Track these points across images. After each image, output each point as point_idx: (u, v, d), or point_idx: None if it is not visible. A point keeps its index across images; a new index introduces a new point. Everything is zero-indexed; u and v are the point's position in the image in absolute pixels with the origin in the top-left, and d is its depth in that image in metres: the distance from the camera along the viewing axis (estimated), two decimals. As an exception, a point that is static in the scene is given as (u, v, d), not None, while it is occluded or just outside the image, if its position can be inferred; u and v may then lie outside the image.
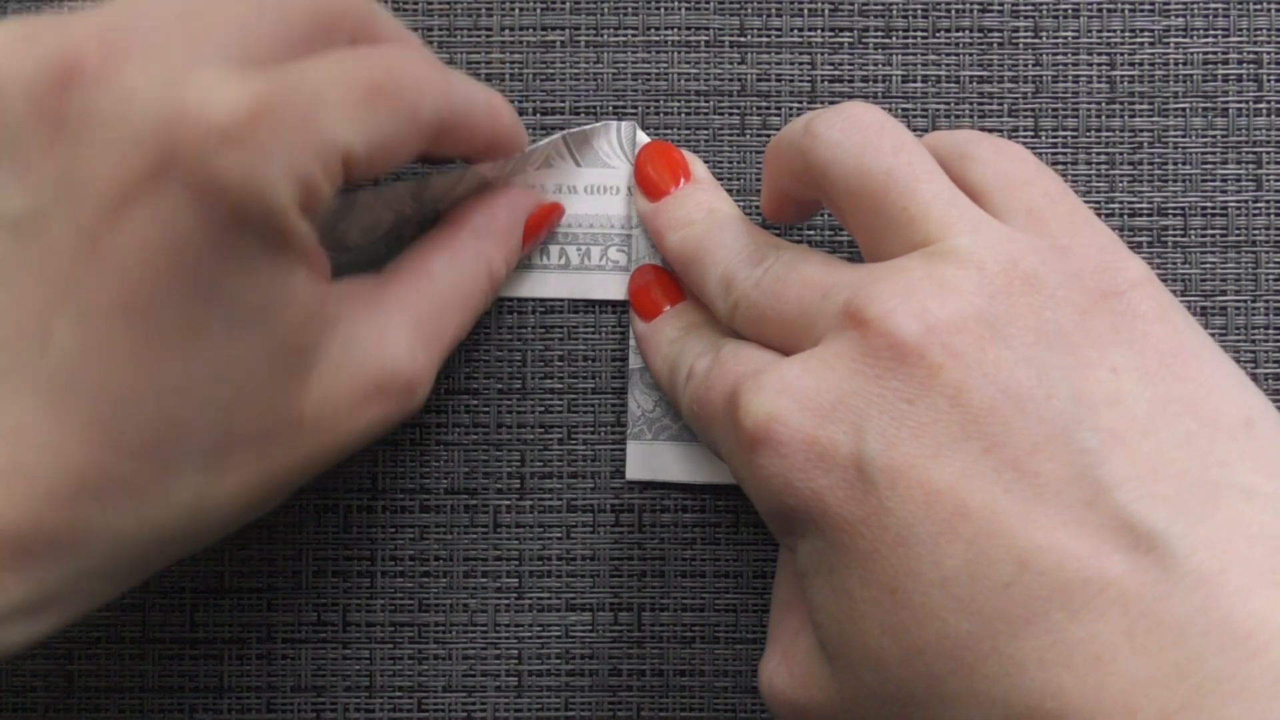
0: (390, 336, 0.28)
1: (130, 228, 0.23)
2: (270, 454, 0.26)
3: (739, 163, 0.35)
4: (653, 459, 0.34)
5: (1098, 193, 0.35)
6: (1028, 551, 0.23)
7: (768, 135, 0.35)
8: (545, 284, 0.35)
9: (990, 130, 0.35)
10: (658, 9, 0.35)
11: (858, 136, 0.27)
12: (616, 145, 0.35)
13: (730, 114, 0.35)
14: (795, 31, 0.35)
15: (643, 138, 0.35)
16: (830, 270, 0.27)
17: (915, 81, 0.35)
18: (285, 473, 0.27)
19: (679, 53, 0.35)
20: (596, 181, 0.34)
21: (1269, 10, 0.35)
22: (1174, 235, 0.35)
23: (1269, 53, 0.35)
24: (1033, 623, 0.23)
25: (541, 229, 0.34)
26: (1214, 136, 0.35)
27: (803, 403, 0.24)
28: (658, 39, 0.35)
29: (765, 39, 0.35)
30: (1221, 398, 0.24)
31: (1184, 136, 0.35)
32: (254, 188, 0.23)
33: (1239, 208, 0.35)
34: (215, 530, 0.27)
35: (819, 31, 0.35)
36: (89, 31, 0.23)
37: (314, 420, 0.27)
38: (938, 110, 0.35)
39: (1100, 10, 0.35)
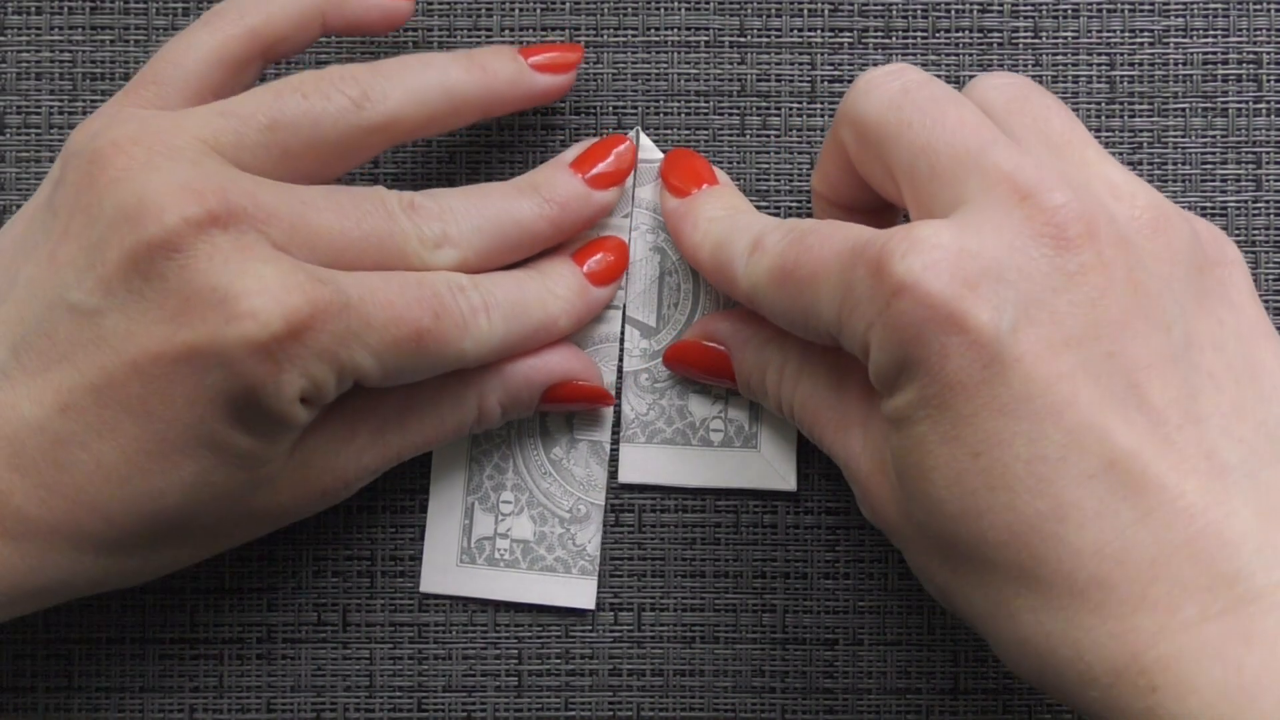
0: (348, 457, 0.32)
1: (172, 359, 0.27)
2: (214, 539, 0.31)
3: (739, 163, 0.35)
4: (646, 462, 0.34)
5: (1098, 193, 0.35)
6: (1118, 453, 0.25)
7: (768, 135, 0.35)
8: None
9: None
10: (658, 9, 0.35)
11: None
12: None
13: (730, 114, 0.35)
14: (795, 31, 0.35)
15: (645, 139, 0.35)
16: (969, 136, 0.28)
17: (915, 81, 0.35)
18: (221, 547, 0.32)
19: (679, 53, 0.35)
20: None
21: (1269, 10, 0.35)
22: (1174, 235, 0.35)
23: (1269, 53, 0.35)
24: (1102, 516, 0.25)
25: (573, 400, 0.34)
26: (1214, 136, 0.35)
27: (957, 263, 0.25)
28: (658, 39, 0.35)
29: (765, 39, 0.35)
30: None
31: (1184, 136, 0.35)
32: (273, 391, 0.28)
33: (1239, 208, 0.35)
34: (145, 578, 0.31)
35: (819, 31, 0.35)
36: (194, 203, 0.27)
37: (261, 515, 0.31)
38: (938, 110, 0.35)
39: (1100, 10, 0.35)
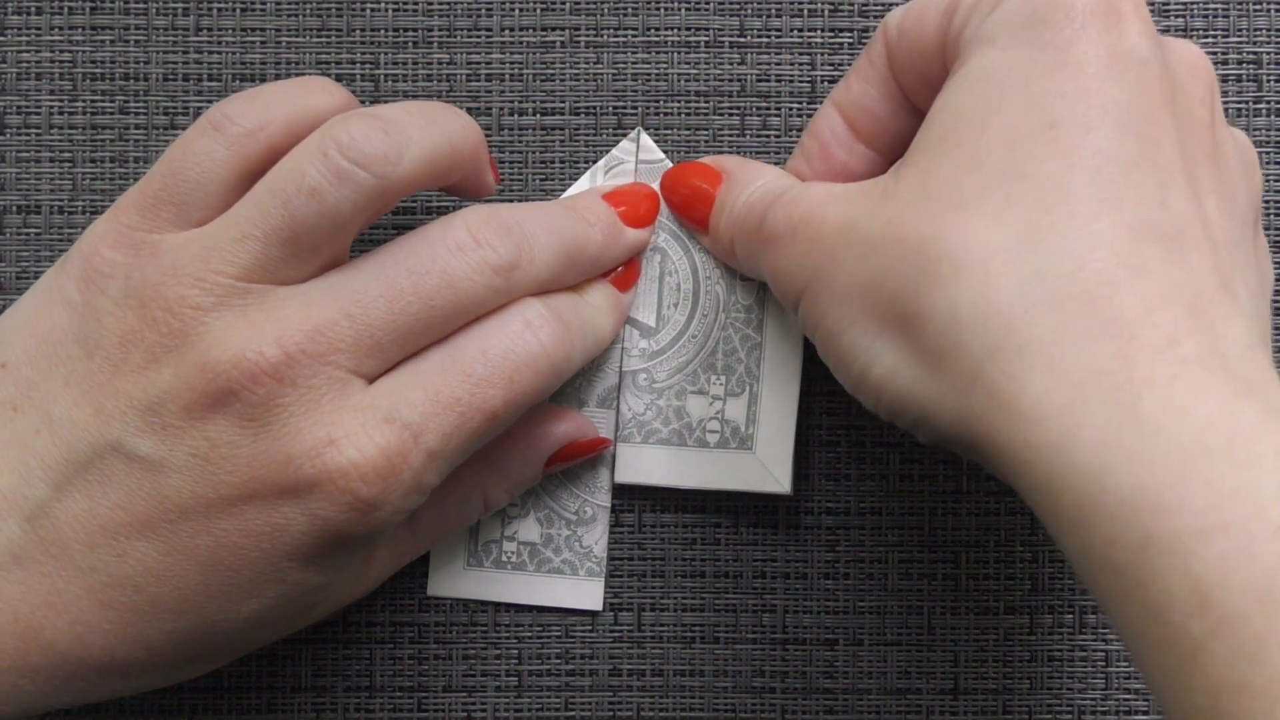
0: (369, 574, 0.32)
1: (244, 513, 0.27)
2: (246, 650, 0.31)
3: (739, 163, 0.35)
4: (642, 462, 0.34)
5: (1098, 193, 0.35)
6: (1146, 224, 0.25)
7: (768, 135, 0.35)
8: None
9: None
10: (658, 9, 0.35)
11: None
12: (630, 148, 0.35)
13: (730, 114, 0.35)
14: (795, 31, 0.35)
15: (645, 139, 0.35)
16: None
17: (915, 81, 0.35)
18: (246, 653, 0.31)
19: (679, 53, 0.35)
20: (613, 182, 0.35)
21: (1269, 10, 0.35)
22: (1174, 235, 0.35)
23: (1269, 53, 0.35)
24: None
25: (574, 458, 0.34)
26: (1214, 136, 0.35)
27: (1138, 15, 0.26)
28: (658, 39, 0.35)
29: (765, 39, 0.35)
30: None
31: (1184, 136, 0.35)
32: (363, 535, 0.28)
33: (1239, 208, 0.35)
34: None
35: (819, 31, 0.35)
36: (254, 358, 0.27)
37: (290, 630, 0.31)
38: (938, 110, 0.35)
39: (1100, 10, 0.35)
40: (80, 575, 0.27)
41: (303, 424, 0.27)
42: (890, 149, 0.31)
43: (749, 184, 0.31)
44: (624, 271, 0.33)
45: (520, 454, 0.33)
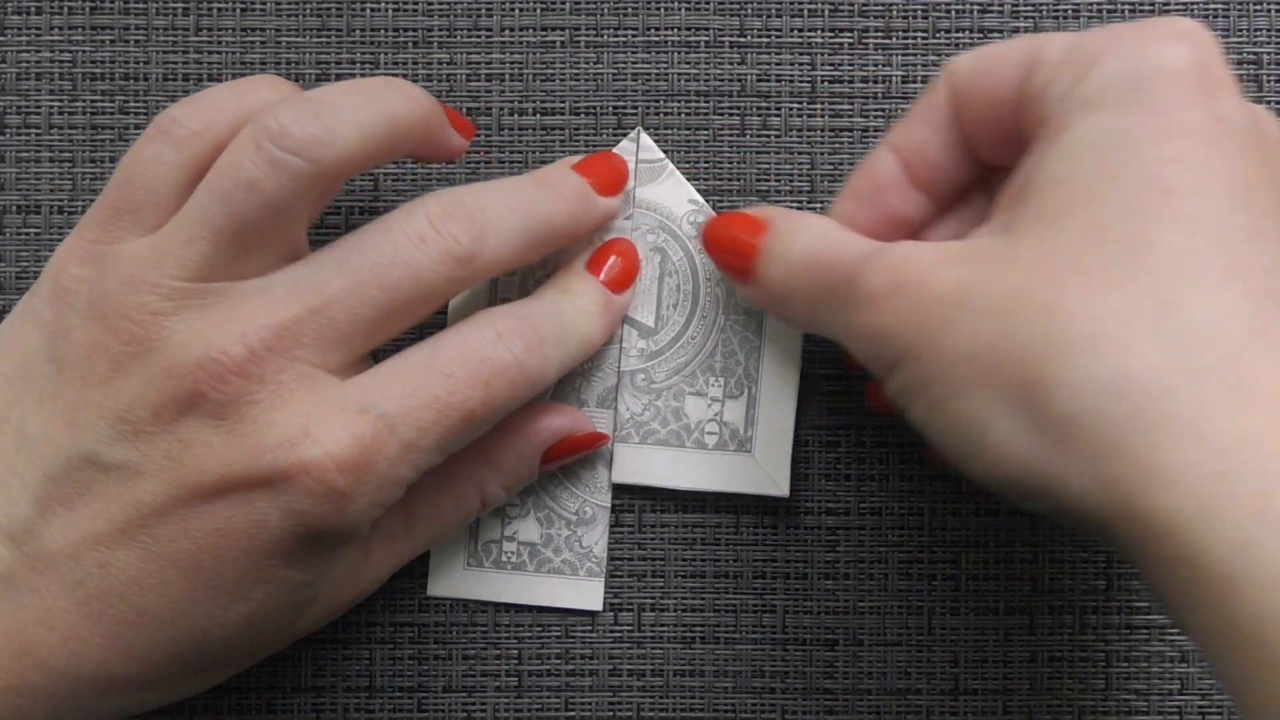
0: (367, 572, 0.32)
1: (220, 511, 0.27)
2: (242, 663, 0.31)
3: (739, 163, 0.35)
4: (640, 463, 0.34)
5: (1098, 193, 0.35)
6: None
7: (768, 135, 0.35)
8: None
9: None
10: (658, 9, 0.35)
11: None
12: (631, 148, 0.35)
13: (730, 114, 0.35)
14: (795, 31, 0.35)
15: (645, 139, 0.35)
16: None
17: (915, 82, 0.35)
18: (245, 667, 0.32)
19: (679, 53, 0.35)
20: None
21: (1269, 10, 0.35)
22: (1174, 235, 0.35)
23: (1269, 53, 0.35)
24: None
25: (571, 454, 0.34)
26: (1214, 136, 0.35)
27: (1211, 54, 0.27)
28: (658, 39, 0.35)
29: (765, 39, 0.35)
30: None
31: (1184, 136, 0.35)
32: (339, 526, 0.28)
33: (1239, 208, 0.35)
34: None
35: (819, 31, 0.35)
36: (218, 357, 0.27)
37: (288, 636, 0.31)
38: (938, 110, 0.35)
39: (1100, 11, 0.35)
40: (68, 590, 0.27)
41: (275, 417, 0.27)
42: (944, 196, 0.31)
43: (799, 233, 0.30)
44: (619, 271, 0.33)
45: (515, 449, 0.33)
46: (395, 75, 0.35)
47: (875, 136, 0.35)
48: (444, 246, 0.29)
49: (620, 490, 0.35)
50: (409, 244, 0.29)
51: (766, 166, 0.35)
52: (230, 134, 0.29)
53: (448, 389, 0.29)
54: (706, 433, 0.34)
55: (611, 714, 0.35)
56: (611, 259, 0.34)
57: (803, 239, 0.30)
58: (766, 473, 0.34)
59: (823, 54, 0.35)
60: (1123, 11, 0.35)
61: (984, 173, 0.31)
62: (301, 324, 0.28)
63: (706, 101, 0.35)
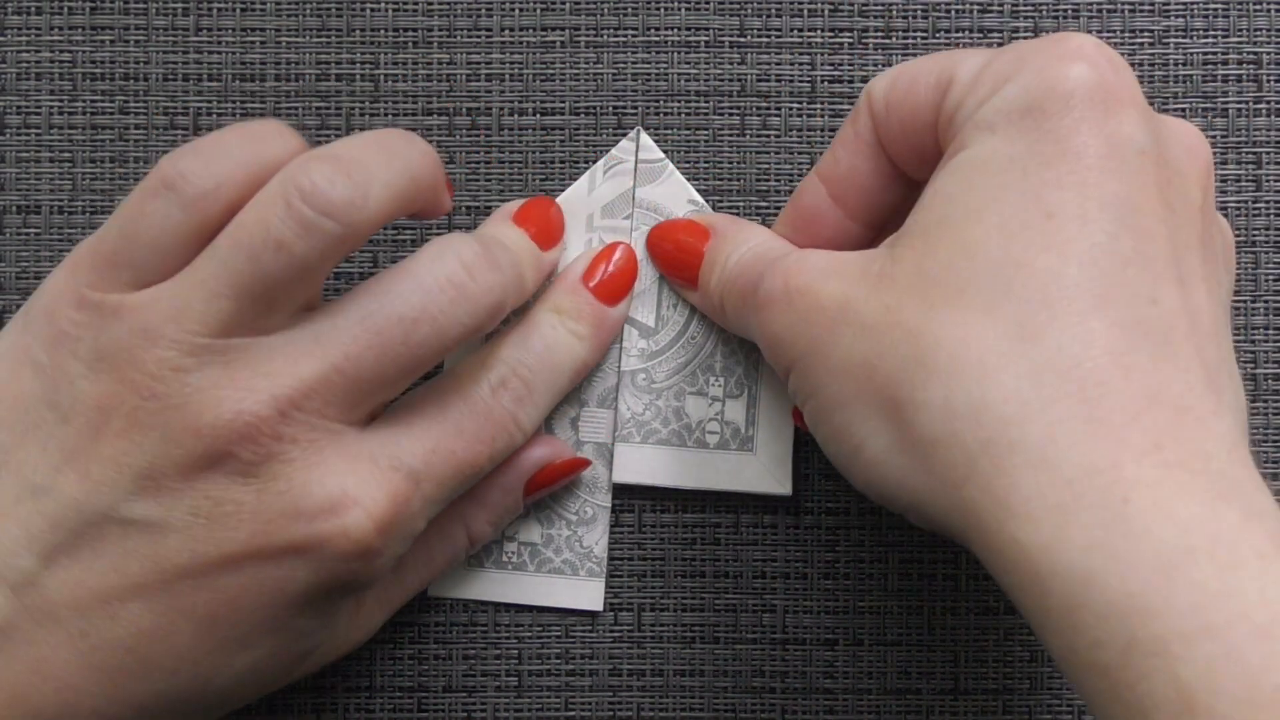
0: (359, 624, 0.32)
1: (249, 571, 0.27)
2: (244, 702, 0.30)
3: (739, 163, 0.35)
4: (641, 462, 0.34)
5: (1098, 193, 0.35)
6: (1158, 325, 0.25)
7: (768, 135, 0.35)
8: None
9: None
10: (658, 9, 0.35)
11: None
12: (630, 148, 0.35)
13: (730, 114, 0.35)
14: (795, 31, 0.35)
15: (645, 139, 0.35)
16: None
17: (915, 81, 0.35)
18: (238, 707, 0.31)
19: (679, 53, 0.35)
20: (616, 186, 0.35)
21: (1269, 10, 0.35)
22: (1174, 235, 0.35)
23: (1269, 53, 0.35)
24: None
25: (553, 482, 0.34)
26: (1214, 136, 0.35)
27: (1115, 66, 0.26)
28: (658, 39, 0.35)
29: (765, 39, 0.35)
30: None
31: (1184, 136, 0.35)
32: (366, 579, 0.29)
33: (1239, 208, 0.35)
34: None
35: (819, 31, 0.35)
36: (243, 416, 0.27)
37: (294, 677, 0.31)
38: (938, 110, 0.35)
39: (1100, 10, 0.35)
40: (70, 640, 0.27)
41: (309, 478, 0.27)
42: (879, 221, 0.31)
43: (740, 243, 0.31)
44: (613, 280, 0.33)
45: (499, 483, 0.33)
46: (395, 75, 0.35)
47: (875, 136, 0.35)
48: (476, 298, 0.29)
49: (620, 490, 0.35)
50: (439, 291, 0.28)
51: (766, 166, 0.35)
52: (242, 194, 0.28)
53: (462, 445, 0.30)
54: (707, 432, 0.34)
55: (611, 714, 0.35)
56: (603, 267, 0.33)
57: (742, 247, 0.31)
58: (769, 471, 0.34)
59: (823, 54, 0.35)
60: (1122, 11, 0.35)
61: (920, 190, 0.31)
62: (329, 384, 0.28)
63: (706, 101, 0.35)
